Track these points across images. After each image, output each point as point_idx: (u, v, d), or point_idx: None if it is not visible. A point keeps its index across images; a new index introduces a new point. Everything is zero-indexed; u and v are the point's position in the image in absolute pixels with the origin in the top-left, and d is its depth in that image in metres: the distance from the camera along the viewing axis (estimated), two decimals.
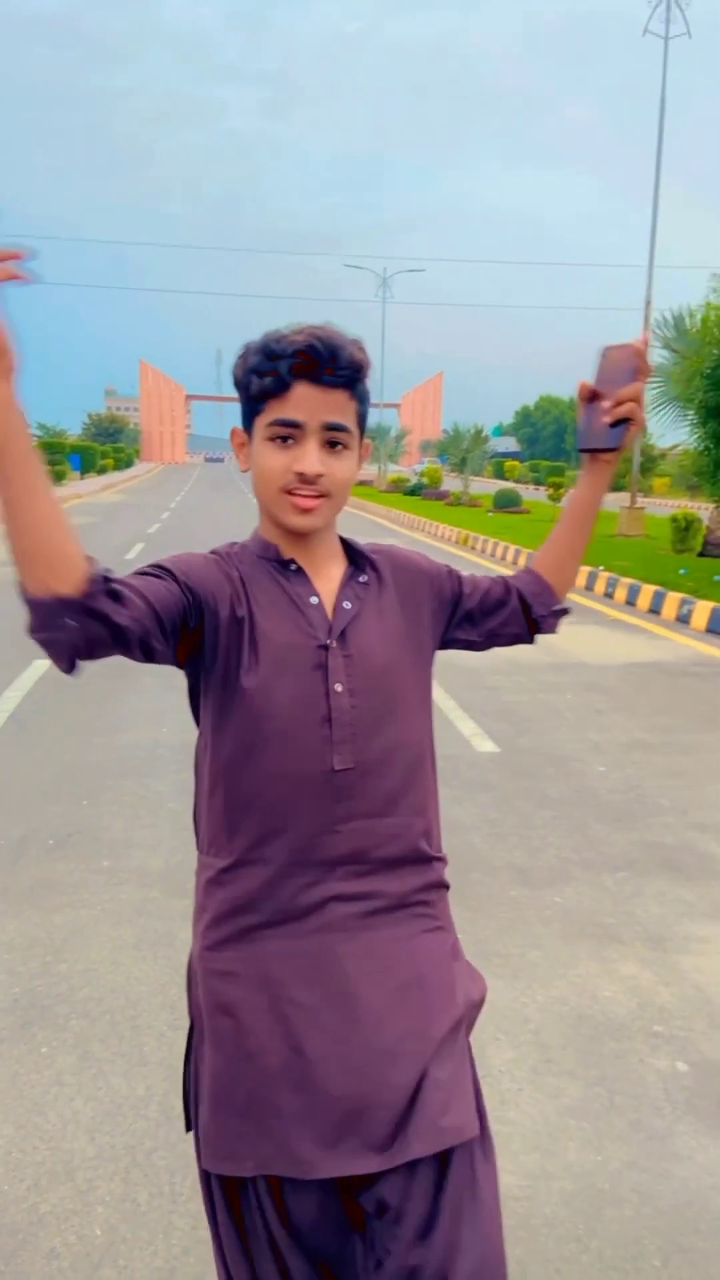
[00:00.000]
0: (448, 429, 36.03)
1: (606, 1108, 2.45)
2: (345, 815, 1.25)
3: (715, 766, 5.25)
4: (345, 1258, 1.31)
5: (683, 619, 10.07)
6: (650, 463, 39.94)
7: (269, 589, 1.27)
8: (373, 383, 1.29)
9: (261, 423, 1.23)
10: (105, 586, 1.06)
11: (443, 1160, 1.23)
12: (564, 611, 1.46)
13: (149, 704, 6.15)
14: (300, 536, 1.28)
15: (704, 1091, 2.53)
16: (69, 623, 1.04)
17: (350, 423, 1.24)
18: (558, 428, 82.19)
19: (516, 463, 60.67)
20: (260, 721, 1.23)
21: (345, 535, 1.36)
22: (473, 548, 17.90)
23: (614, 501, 26.61)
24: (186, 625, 1.19)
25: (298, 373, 1.18)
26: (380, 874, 1.27)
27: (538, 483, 53.45)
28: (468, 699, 6.44)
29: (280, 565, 1.28)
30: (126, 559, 14.06)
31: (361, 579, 1.32)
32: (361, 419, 1.27)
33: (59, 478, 35.31)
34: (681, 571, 12.61)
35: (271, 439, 1.22)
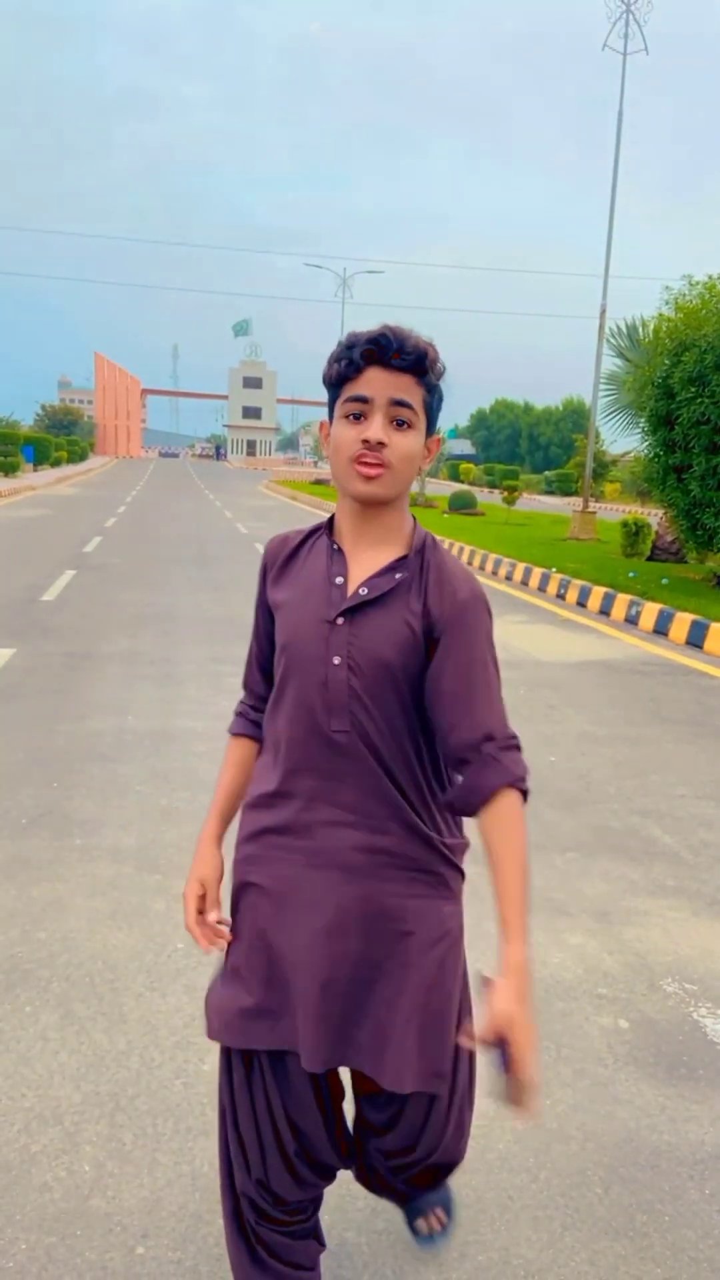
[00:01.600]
0: None
1: (554, 1059, 2.67)
2: (347, 771, 1.43)
3: (657, 757, 5.52)
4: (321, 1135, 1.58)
5: (631, 620, 10.41)
6: (602, 469, 40.66)
7: (317, 566, 1.47)
8: (447, 387, 1.43)
9: (339, 404, 1.40)
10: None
11: (411, 1099, 1.53)
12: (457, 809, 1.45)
13: (114, 693, 6.27)
14: (364, 512, 1.42)
15: (643, 1045, 2.76)
16: None
17: (415, 403, 1.38)
18: (513, 432, 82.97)
19: (472, 465, 61.22)
20: (283, 677, 1.47)
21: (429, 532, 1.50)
22: None
23: (566, 506, 26.99)
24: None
25: (369, 358, 1.35)
26: (384, 832, 1.43)
27: (492, 485, 54.02)
28: None
29: (330, 545, 1.47)
30: (84, 552, 14.07)
31: (398, 573, 1.42)
32: (429, 408, 1.40)
33: (11, 469, 34.81)
34: (631, 574, 12.99)
35: (345, 416, 1.38)
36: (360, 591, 1.41)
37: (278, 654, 1.49)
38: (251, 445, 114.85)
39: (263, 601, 1.55)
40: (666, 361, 12.06)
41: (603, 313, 19.25)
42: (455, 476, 59.25)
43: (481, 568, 15.18)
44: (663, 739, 5.91)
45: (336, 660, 1.41)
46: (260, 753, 1.58)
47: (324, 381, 1.42)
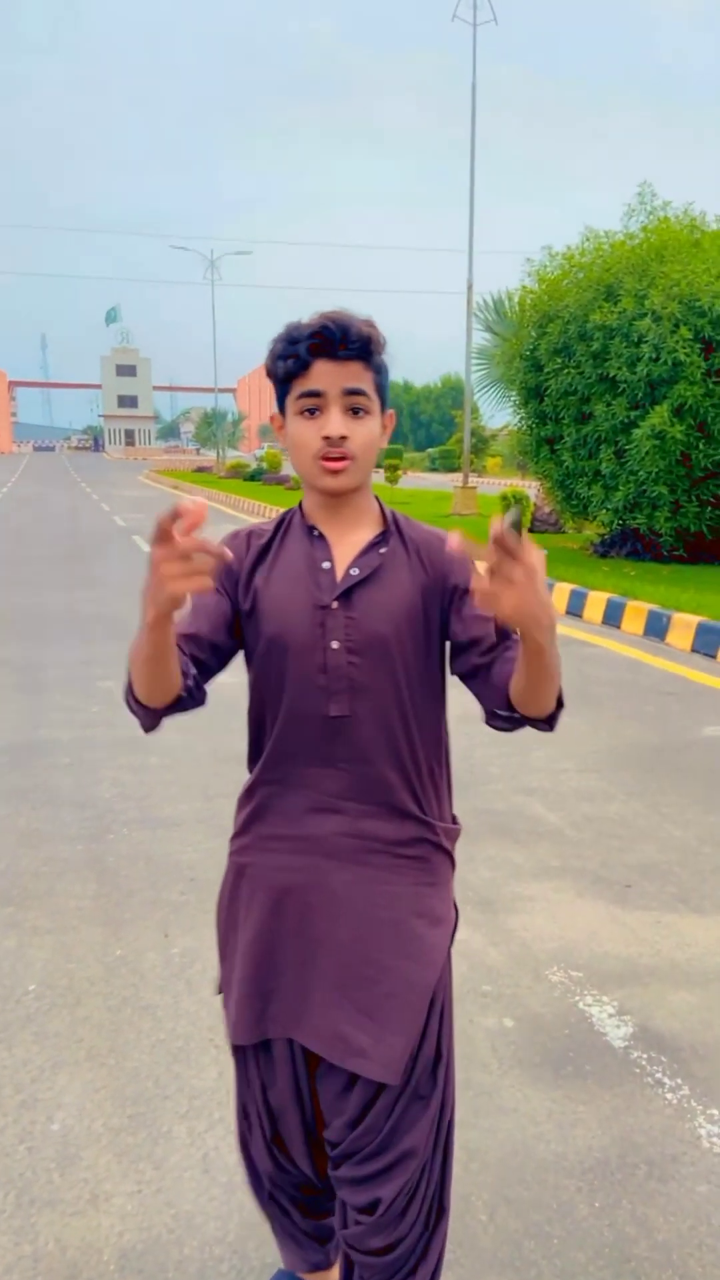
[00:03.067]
0: None
1: None
2: (342, 756, 1.43)
3: (537, 733, 5.46)
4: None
5: None
6: (483, 444, 41.19)
7: (295, 554, 1.46)
8: (390, 360, 1.43)
9: (291, 400, 1.39)
10: (186, 692, 1.39)
11: (377, 1089, 1.47)
12: (514, 719, 1.41)
13: None
14: (334, 501, 1.43)
15: (528, 1044, 2.63)
16: (154, 716, 1.40)
17: (368, 388, 1.38)
18: (394, 410, 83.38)
19: None
20: (272, 669, 1.44)
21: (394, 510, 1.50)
22: None
23: (450, 482, 27.17)
24: (240, 614, 1.46)
25: (315, 351, 1.35)
26: (376, 818, 1.45)
27: (377, 465, 54.04)
28: None
29: (308, 531, 1.46)
30: None
31: (381, 549, 1.44)
32: (380, 389, 1.40)
33: None
34: None
35: (300, 413, 1.38)
36: (351, 573, 1.43)
37: (262, 645, 1.45)
38: (130, 435, 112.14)
39: (219, 595, 1.46)
40: (533, 334, 12.11)
41: (469, 287, 19.29)
42: None
43: None
44: None
45: (335, 644, 1.41)
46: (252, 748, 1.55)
47: (270, 377, 1.42)
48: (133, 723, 1.43)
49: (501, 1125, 2.31)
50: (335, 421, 1.35)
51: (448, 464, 52.56)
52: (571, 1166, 2.18)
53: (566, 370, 11.39)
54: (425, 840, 1.49)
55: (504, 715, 1.41)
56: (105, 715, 5.66)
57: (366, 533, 1.46)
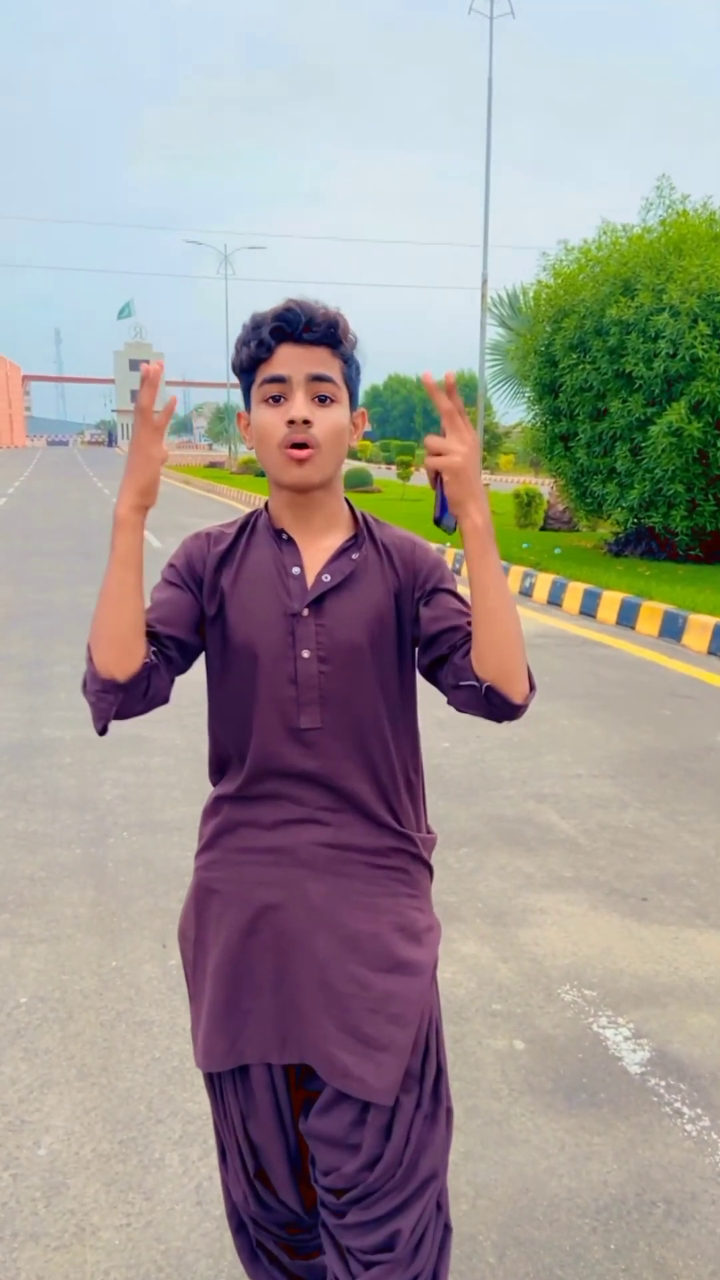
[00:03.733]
0: None
1: None
2: (315, 768, 1.36)
3: (551, 735, 5.33)
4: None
5: (525, 592, 10.30)
6: (495, 440, 40.95)
7: (262, 558, 1.39)
8: (362, 356, 1.37)
9: (255, 390, 1.33)
10: (147, 671, 1.32)
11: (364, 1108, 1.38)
12: (473, 686, 1.32)
13: None
14: (302, 500, 1.36)
15: (539, 1069, 2.51)
16: (113, 697, 1.31)
17: (335, 375, 1.32)
18: (407, 408, 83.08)
19: (368, 442, 61.06)
20: (239, 678, 1.37)
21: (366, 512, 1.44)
22: None
23: None
24: (205, 616, 1.39)
25: (278, 335, 1.30)
26: (351, 828, 1.38)
27: (389, 462, 53.96)
28: None
29: (276, 535, 1.39)
30: None
31: (353, 555, 1.39)
32: (348, 380, 1.35)
33: None
34: (524, 545, 12.92)
35: (264, 400, 1.32)
36: (324, 579, 1.36)
37: (229, 653, 1.39)
38: None
39: (184, 591, 1.40)
40: (548, 329, 11.94)
41: (484, 282, 19.12)
42: (352, 454, 58.98)
43: None
44: (557, 715, 5.72)
45: (305, 653, 1.35)
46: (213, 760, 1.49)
47: (235, 369, 1.37)
48: (135, 722, 1.36)
49: (512, 1158, 2.19)
50: (299, 404, 1.30)
51: None
52: (586, 1204, 2.06)
53: (582, 366, 11.23)
54: (403, 851, 1.42)
55: (465, 684, 1.33)
56: None
57: (337, 537, 1.40)
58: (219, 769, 1.46)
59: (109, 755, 4.85)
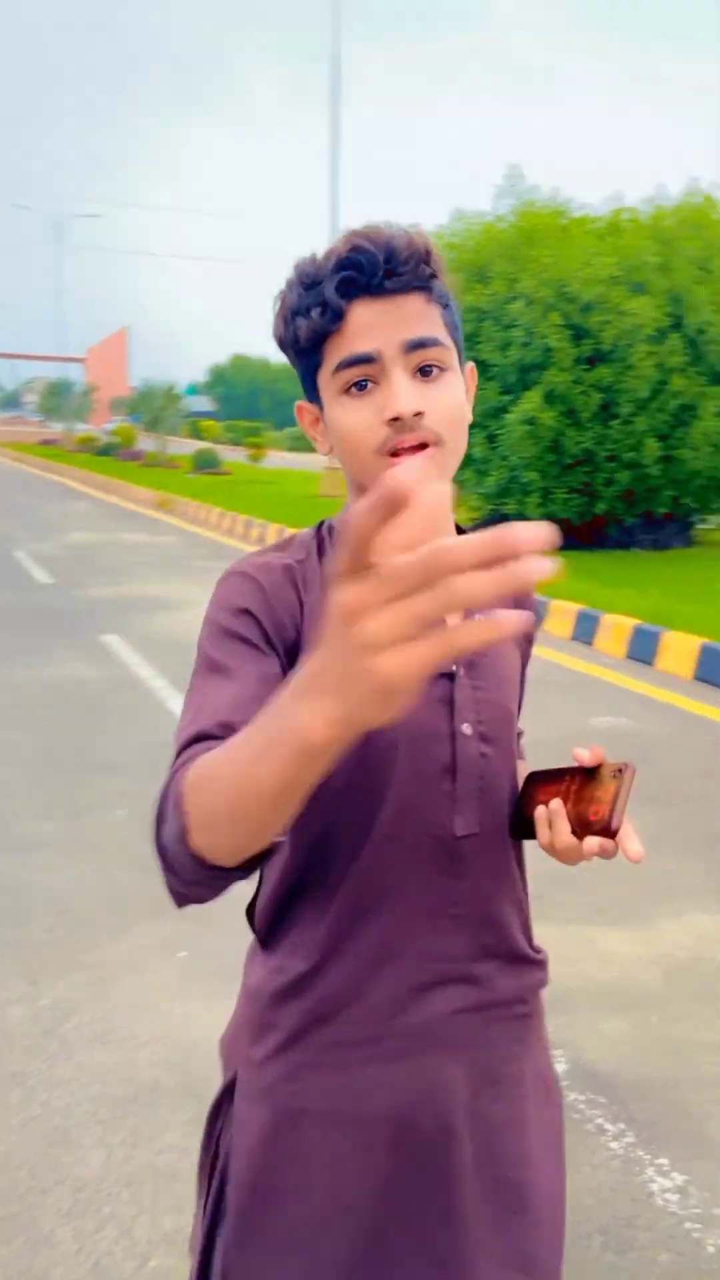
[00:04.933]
0: (138, 386, 34.62)
1: None
2: (463, 896, 0.97)
3: None
4: None
5: None
6: None
7: None
8: (451, 288, 0.96)
9: (326, 375, 0.93)
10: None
11: None
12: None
13: None
14: None
15: None
16: (222, 886, 0.78)
17: (439, 332, 0.93)
18: (252, 388, 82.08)
19: (213, 423, 59.90)
20: (361, 774, 0.92)
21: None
22: (172, 511, 17.26)
23: (310, 462, 26.88)
24: None
25: (349, 289, 0.90)
26: (494, 977, 1.00)
27: (235, 443, 53.17)
28: (183, 674, 6.01)
29: None
30: None
31: None
32: (452, 329, 0.95)
33: None
34: None
35: (344, 391, 0.92)
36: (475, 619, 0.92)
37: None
38: None
39: (269, 657, 0.93)
40: None
41: None
42: (197, 434, 57.76)
43: (232, 531, 14.57)
44: None
45: (466, 729, 0.97)
46: (272, 928, 1.01)
47: (285, 347, 0.97)
48: None
49: None
50: (401, 391, 0.90)
51: (308, 445, 52.12)
52: None
53: None
54: (535, 983, 1.06)
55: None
56: None
57: None
58: (297, 906, 0.99)
59: None
